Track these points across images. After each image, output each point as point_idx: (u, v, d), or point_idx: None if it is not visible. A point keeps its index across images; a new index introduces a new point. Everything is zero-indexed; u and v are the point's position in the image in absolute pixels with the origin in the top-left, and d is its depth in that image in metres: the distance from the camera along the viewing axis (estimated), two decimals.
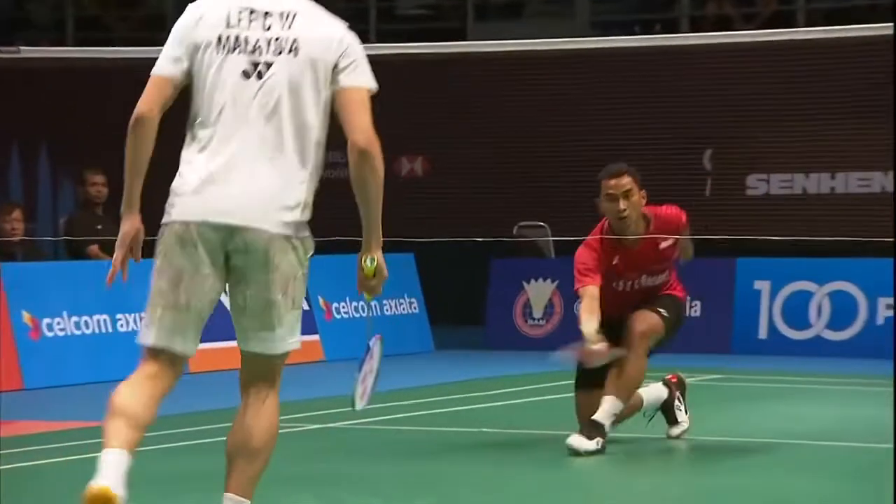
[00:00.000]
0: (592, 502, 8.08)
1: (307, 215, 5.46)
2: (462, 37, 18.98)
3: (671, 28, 18.94)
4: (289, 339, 5.51)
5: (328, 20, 5.49)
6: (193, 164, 5.42)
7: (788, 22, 18.04)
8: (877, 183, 17.12)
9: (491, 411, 11.43)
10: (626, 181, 8.97)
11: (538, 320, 16.23)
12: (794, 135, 17.07)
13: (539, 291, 16.28)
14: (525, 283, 16.33)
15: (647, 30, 19.01)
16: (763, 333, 15.69)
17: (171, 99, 5.47)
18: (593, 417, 8.76)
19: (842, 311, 15.36)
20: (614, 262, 9.05)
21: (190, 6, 5.54)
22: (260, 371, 5.51)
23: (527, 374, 13.18)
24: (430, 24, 20.27)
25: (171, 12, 18.33)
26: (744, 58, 16.20)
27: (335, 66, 5.42)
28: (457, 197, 18.27)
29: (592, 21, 19.76)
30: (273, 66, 5.40)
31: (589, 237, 9.15)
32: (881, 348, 14.40)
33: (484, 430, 10.00)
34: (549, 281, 16.19)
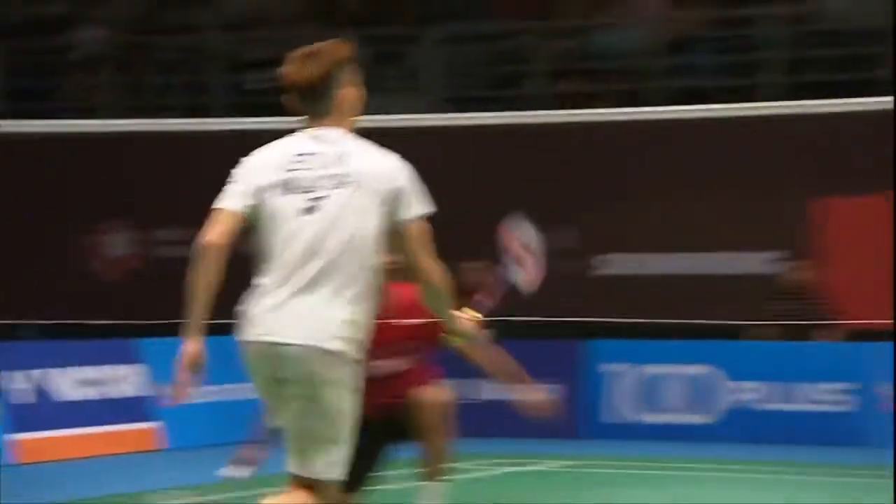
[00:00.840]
0: None
1: (358, 332, 6.03)
2: None
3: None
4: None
5: (380, 154, 6.07)
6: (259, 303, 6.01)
7: (641, 100, 18.22)
8: (730, 264, 17.09)
9: None
10: None
11: None
12: (649, 214, 17.03)
13: None
14: None
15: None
16: (614, 417, 15.65)
17: (237, 232, 6.02)
18: None
19: (697, 394, 15.43)
20: None
21: (253, 153, 6.17)
22: None
23: None
24: (277, 98, 20.04)
25: None
26: (594, 134, 16.16)
27: (393, 198, 5.99)
28: None
29: (439, 96, 19.87)
30: (329, 200, 5.96)
31: None
32: (738, 432, 14.73)
33: None
34: None
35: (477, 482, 12.03)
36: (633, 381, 15.71)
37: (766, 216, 16.30)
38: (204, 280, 5.97)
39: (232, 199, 6.05)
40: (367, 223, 5.97)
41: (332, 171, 6.01)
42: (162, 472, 11.69)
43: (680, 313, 15.22)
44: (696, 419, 15.42)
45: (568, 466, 13.30)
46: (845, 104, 14.10)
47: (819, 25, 18.89)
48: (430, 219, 6.04)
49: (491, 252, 8.99)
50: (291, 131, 8.61)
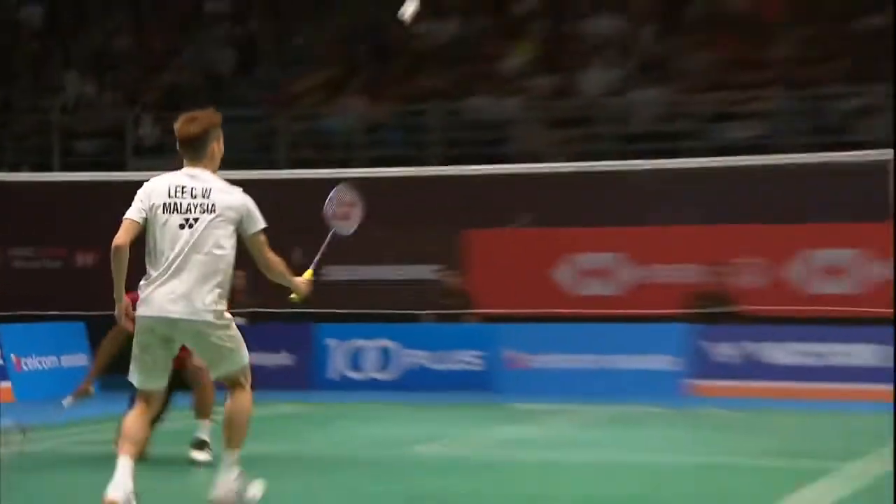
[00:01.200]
0: None
1: (221, 305, 6.28)
2: (123, 169, 18.72)
3: (275, 165, 19.06)
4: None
5: (232, 191, 6.34)
6: (150, 286, 6.26)
7: (353, 164, 18.35)
8: (406, 272, 17.40)
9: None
10: None
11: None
12: (359, 239, 17.28)
13: None
14: None
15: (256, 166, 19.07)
16: (333, 375, 15.58)
17: (137, 234, 6.30)
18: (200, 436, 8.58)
19: (384, 359, 15.47)
20: None
21: (147, 182, 6.41)
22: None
23: None
24: (102, 158, 19.89)
25: None
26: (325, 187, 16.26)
27: (240, 221, 6.27)
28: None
29: None
30: (199, 220, 6.21)
31: None
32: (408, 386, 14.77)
33: None
34: None
35: None
36: (344, 351, 15.60)
37: (434, 241, 16.59)
38: (119, 269, 6.21)
39: (134, 213, 6.29)
40: (223, 238, 6.22)
41: (200, 200, 6.22)
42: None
43: (377, 305, 15.60)
44: (384, 376, 15.45)
45: (303, 410, 13.16)
46: (484, 169, 14.74)
47: (466, 116, 19.22)
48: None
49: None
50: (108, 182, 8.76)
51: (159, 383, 6.39)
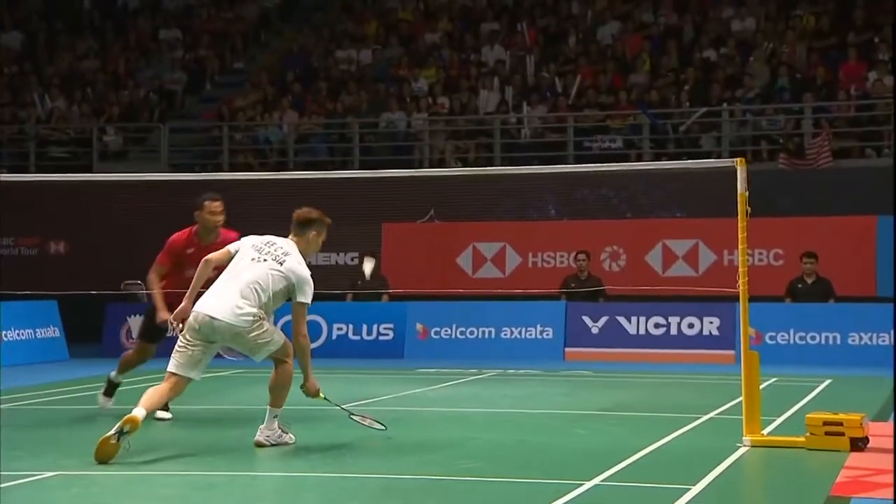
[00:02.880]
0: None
1: (256, 320, 6.73)
2: (90, 171, 18.36)
3: (219, 169, 18.84)
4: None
5: (300, 261, 6.79)
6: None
7: (287, 169, 18.16)
8: (332, 259, 17.31)
9: (120, 394, 10.77)
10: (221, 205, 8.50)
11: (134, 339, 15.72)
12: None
13: (136, 322, 15.74)
14: (127, 317, 15.75)
15: (203, 169, 18.85)
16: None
17: (225, 262, 6.86)
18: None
19: (316, 331, 14.99)
20: (189, 252, 8.33)
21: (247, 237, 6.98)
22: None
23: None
24: (71, 163, 19.47)
25: None
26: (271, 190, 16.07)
27: (294, 286, 6.72)
28: (89, 266, 17.47)
29: (170, 163, 19.42)
30: (266, 262, 6.75)
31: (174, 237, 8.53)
32: (335, 354, 14.44)
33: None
34: (142, 316, 15.64)
35: None
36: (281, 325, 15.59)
37: (355, 233, 16.33)
38: (203, 278, 6.77)
39: (232, 246, 6.94)
40: (274, 284, 6.73)
41: (276, 254, 6.78)
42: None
43: None
44: (315, 346, 14.98)
45: (249, 374, 12.73)
46: (396, 172, 14.67)
47: (380, 129, 19.12)
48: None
49: None
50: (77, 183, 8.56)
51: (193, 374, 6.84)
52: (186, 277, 7.76)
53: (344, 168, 18.10)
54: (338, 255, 17.14)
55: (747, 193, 7.32)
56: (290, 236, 6.94)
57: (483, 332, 15.13)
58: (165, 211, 17.69)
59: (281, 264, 6.77)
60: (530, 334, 14.95)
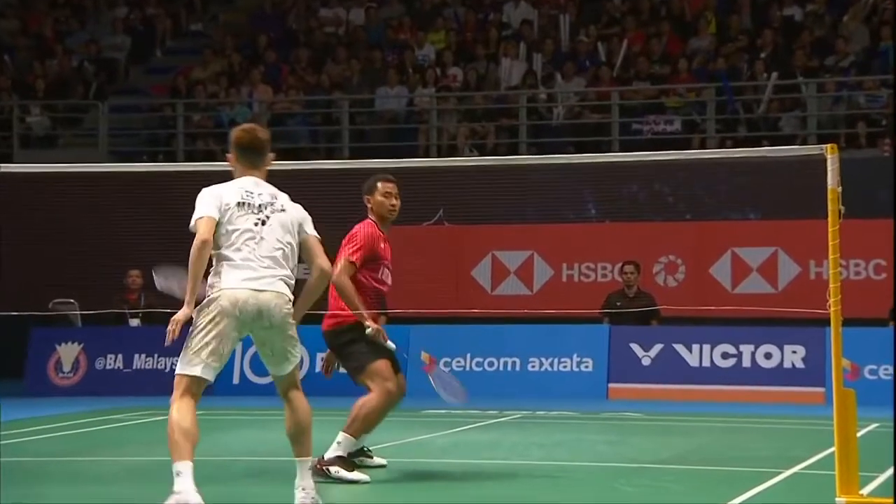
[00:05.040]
0: None
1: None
2: (10, 161, 18.46)
3: (173, 158, 18.98)
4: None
5: (292, 203, 6.81)
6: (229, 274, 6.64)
7: None
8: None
9: (44, 442, 10.88)
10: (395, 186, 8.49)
11: (67, 373, 15.80)
12: None
13: (68, 352, 15.86)
14: (57, 346, 15.84)
15: (153, 158, 18.96)
16: (236, 379, 15.51)
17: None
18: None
19: None
20: (382, 246, 8.34)
21: (212, 187, 6.76)
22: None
23: (62, 413, 12.81)
24: None
25: None
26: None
27: (300, 224, 6.75)
28: (6, 279, 17.56)
29: (110, 150, 19.54)
30: (270, 219, 6.69)
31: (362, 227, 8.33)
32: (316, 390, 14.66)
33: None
34: (76, 343, 15.79)
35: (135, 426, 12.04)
36: (246, 353, 15.20)
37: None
38: (202, 264, 6.52)
39: (211, 211, 6.62)
40: (289, 235, 6.69)
41: (270, 202, 6.71)
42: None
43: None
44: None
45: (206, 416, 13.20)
46: (394, 162, 14.73)
47: (374, 108, 19.20)
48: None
49: None
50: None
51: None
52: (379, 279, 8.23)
53: (330, 157, 18.21)
54: None
55: (840, 189, 7.34)
56: (249, 172, 6.82)
57: (505, 363, 15.18)
58: (108, 210, 17.99)
59: (284, 211, 6.76)
60: (564, 366, 15.00)
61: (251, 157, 6.83)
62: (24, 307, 14.06)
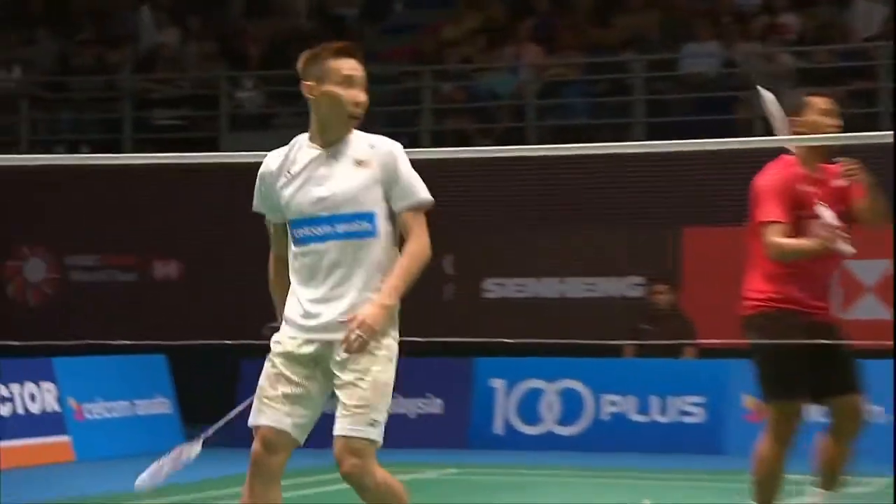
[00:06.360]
0: None
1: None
2: (215, 147, 18.96)
3: (415, 141, 19.19)
4: None
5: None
6: None
7: (521, 138, 18.41)
8: (600, 288, 17.40)
9: None
10: None
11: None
12: (526, 242, 17.39)
13: None
14: None
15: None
16: (498, 429, 15.70)
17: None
18: None
19: (570, 407, 15.52)
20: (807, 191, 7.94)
21: None
22: None
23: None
24: (184, 134, 20.19)
25: None
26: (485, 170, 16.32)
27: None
28: (210, 300, 18.06)
29: None
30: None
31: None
32: (605, 442, 14.85)
33: None
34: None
35: None
36: (513, 395, 15.69)
37: (636, 242, 16.76)
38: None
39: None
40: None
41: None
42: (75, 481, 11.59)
43: (555, 333, 15.44)
44: (568, 431, 15.49)
45: (456, 474, 13.28)
46: (704, 143, 14.46)
47: (678, 71, 19.20)
48: None
49: None
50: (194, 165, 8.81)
51: None
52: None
53: (617, 138, 18.03)
54: (604, 280, 17.31)
55: None
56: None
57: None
58: None
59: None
60: None
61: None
62: (226, 333, 14.30)
